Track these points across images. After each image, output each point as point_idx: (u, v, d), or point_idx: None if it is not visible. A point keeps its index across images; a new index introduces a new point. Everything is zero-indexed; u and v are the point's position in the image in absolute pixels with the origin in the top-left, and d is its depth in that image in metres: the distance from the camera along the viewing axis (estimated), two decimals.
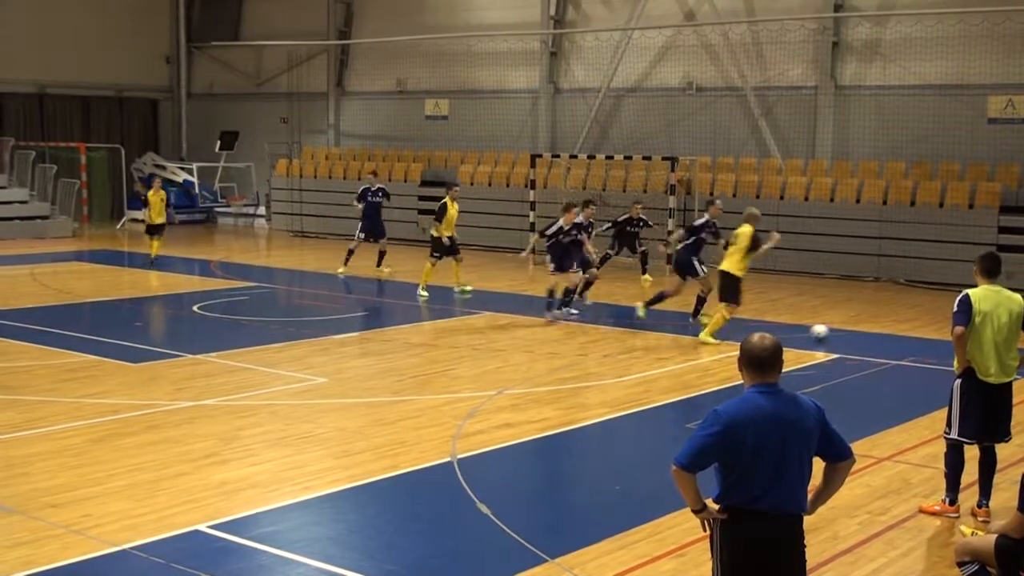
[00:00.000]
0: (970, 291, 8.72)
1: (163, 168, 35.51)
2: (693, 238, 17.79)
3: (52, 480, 9.43)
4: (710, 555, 5.58)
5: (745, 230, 15.87)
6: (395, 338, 16.48)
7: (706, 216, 18.00)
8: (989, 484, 8.93)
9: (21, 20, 33.03)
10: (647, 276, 22.64)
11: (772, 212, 24.67)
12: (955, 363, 8.84)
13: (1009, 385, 8.79)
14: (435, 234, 20.53)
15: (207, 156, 35.72)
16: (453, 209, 20.51)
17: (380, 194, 23.78)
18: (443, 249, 20.54)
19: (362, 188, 24.00)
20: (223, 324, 17.77)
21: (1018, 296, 8.78)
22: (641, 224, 22.24)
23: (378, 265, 23.55)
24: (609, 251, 22.31)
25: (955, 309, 8.67)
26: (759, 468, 5.28)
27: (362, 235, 23.53)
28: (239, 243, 31.09)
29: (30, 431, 10.97)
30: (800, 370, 14.13)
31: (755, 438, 5.26)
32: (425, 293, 20.32)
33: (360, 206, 23.62)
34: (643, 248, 22.78)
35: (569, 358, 15.08)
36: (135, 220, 34.60)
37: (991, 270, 8.80)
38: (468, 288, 20.59)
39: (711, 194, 25.73)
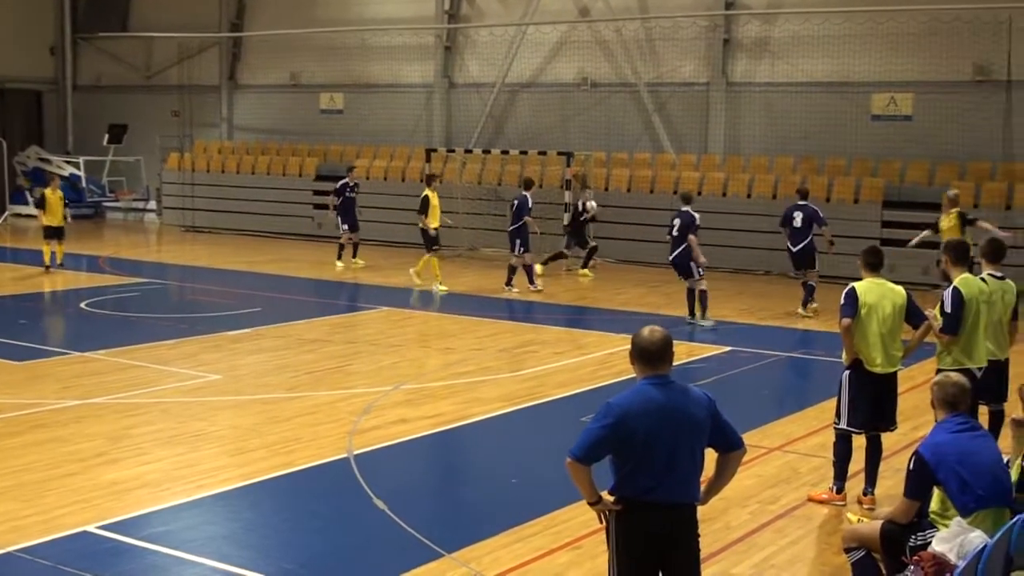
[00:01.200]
0: (856, 284, 8.97)
1: (48, 162, 34.61)
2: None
3: None
4: (606, 547, 5.64)
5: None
6: (290, 334, 16.31)
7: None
8: (875, 472, 9.19)
9: None
10: (587, 271, 22.96)
11: (667, 207, 25.00)
12: (843, 355, 9.08)
13: (894, 375, 9.05)
14: (422, 227, 20.82)
15: (94, 150, 34.88)
16: (436, 199, 20.97)
17: (356, 189, 24.26)
18: (433, 240, 20.91)
19: (340, 183, 24.36)
20: (113, 321, 17.41)
21: (900, 288, 9.05)
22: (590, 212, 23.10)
23: (353, 256, 24.01)
24: (565, 250, 22.63)
25: (842, 302, 8.92)
26: (652, 459, 5.36)
27: (345, 227, 24.01)
28: (129, 238, 30.50)
29: None
30: (693, 362, 14.35)
31: (647, 429, 5.34)
32: (443, 287, 20.55)
33: (338, 201, 24.14)
34: (594, 244, 23.17)
35: (464, 353, 15.10)
36: (17, 215, 33.73)
37: (874, 263, 9.08)
38: (444, 287, 20.63)
39: (606, 189, 25.97)
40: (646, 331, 5.55)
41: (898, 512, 6.44)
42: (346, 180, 24.35)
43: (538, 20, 27.82)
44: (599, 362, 14.62)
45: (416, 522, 8.39)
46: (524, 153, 26.42)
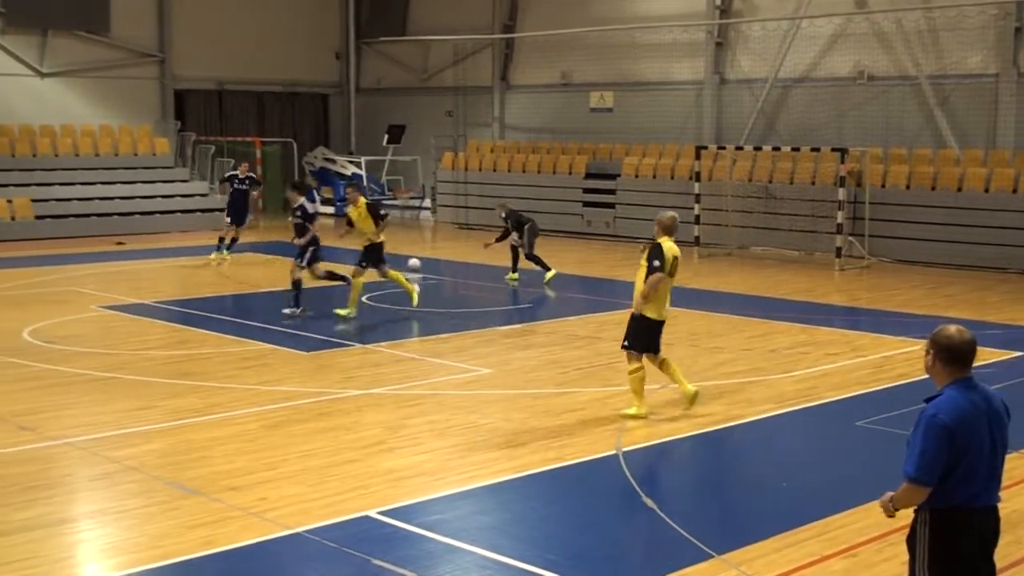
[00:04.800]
0: None
1: (333, 162, 36.39)
2: None
3: (230, 464, 9.78)
4: (911, 556, 5.45)
5: None
6: (560, 330, 16.52)
7: None
8: None
9: (202, 21, 34.31)
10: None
11: (950, 204, 23.87)
12: None
13: None
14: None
15: (375, 150, 36.45)
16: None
17: (247, 182, 24.45)
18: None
19: (228, 175, 25.40)
20: (390, 315, 18.09)
21: None
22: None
23: (228, 249, 24.03)
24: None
25: None
26: (979, 465, 5.21)
27: (228, 219, 24.32)
28: (406, 235, 31.57)
29: (209, 416, 11.40)
30: (981, 368, 13.60)
31: (974, 436, 5.19)
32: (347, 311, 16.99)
33: (227, 192, 24.82)
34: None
35: (734, 352, 14.87)
36: None
37: None
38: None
39: (883, 185, 25.01)
40: (953, 330, 5.31)
41: None
42: (235, 172, 24.79)
43: (812, 13, 27.09)
44: (875, 365, 14.09)
45: (685, 522, 8.32)
46: (796, 150, 25.83)
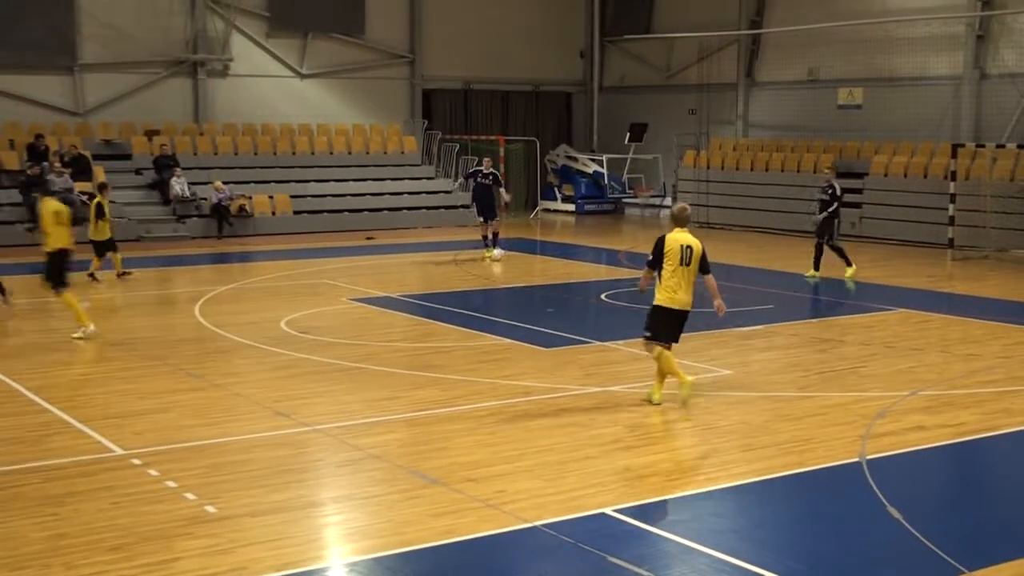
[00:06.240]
0: None
1: (575, 160, 36.68)
2: None
3: (470, 455, 9.98)
4: None
5: None
6: (802, 332, 16.12)
7: None
8: None
9: (450, 22, 35.25)
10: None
11: None
12: None
13: None
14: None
15: (616, 148, 36.53)
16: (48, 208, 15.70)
17: (491, 178, 24.36)
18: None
19: (473, 169, 25.37)
20: (629, 313, 18.04)
21: None
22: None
23: (494, 244, 24.24)
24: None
25: None
26: None
27: (480, 217, 24.43)
28: (646, 233, 31.45)
29: (450, 408, 11.67)
30: None
31: None
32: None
33: (470, 184, 25.29)
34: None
35: (990, 360, 14.15)
36: (547, 210, 36.05)
37: None
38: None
39: None
40: None
41: None
42: (480, 167, 24.56)
43: None
44: None
45: (933, 535, 7.98)
46: None
